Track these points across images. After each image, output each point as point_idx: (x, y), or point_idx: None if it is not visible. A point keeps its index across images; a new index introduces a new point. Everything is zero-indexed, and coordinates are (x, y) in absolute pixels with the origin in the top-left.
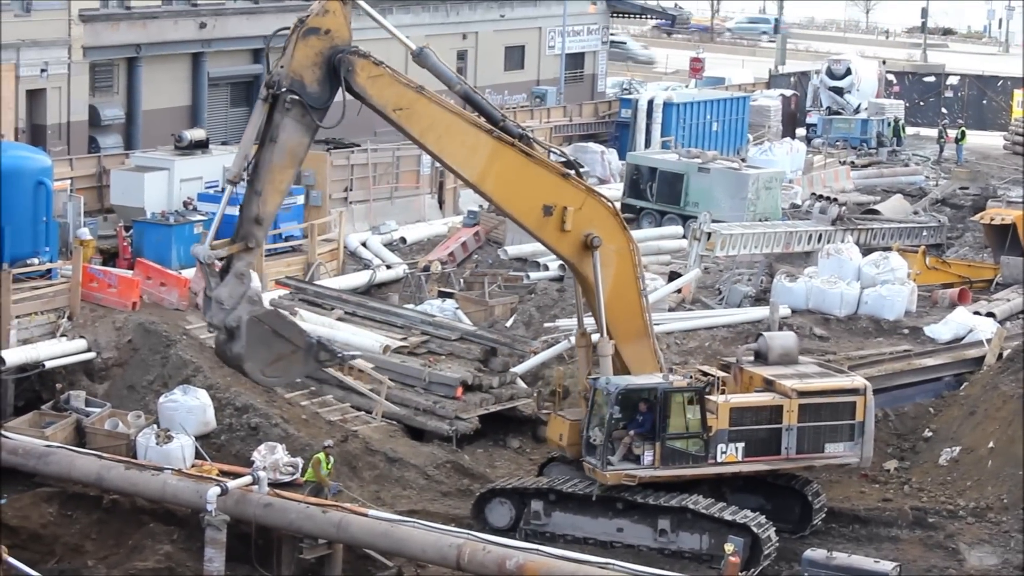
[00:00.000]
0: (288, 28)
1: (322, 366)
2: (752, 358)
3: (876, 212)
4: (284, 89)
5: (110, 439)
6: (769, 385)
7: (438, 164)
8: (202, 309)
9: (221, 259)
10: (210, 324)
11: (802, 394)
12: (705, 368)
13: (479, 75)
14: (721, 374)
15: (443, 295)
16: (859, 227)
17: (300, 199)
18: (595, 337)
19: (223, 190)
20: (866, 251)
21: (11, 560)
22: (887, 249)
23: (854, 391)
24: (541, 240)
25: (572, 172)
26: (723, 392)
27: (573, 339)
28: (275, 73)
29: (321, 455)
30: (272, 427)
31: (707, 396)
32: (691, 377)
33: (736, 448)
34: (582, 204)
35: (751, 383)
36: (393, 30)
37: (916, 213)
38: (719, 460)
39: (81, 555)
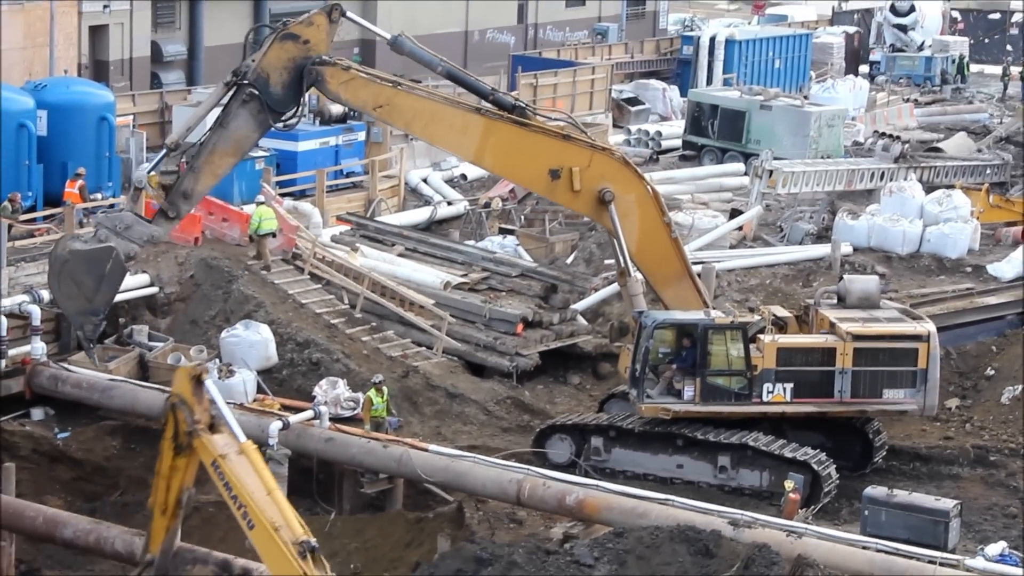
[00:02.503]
0: (270, 25)
1: (84, 338)
2: (834, 300)
3: (939, 150)
4: (247, 82)
5: (173, 373)
6: (832, 328)
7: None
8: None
9: (149, 197)
10: (96, 225)
11: (857, 337)
12: (777, 308)
13: (540, 13)
14: (786, 314)
15: (504, 231)
16: (922, 165)
17: (361, 135)
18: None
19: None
20: (929, 189)
21: None
22: (950, 187)
23: (916, 337)
24: (556, 203)
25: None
26: (782, 332)
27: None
28: (245, 64)
29: (372, 392)
30: (333, 362)
31: (759, 335)
32: (760, 316)
33: (784, 388)
34: (589, 162)
35: (823, 325)
36: (369, 25)
37: (980, 151)
38: (765, 399)
39: (144, 488)
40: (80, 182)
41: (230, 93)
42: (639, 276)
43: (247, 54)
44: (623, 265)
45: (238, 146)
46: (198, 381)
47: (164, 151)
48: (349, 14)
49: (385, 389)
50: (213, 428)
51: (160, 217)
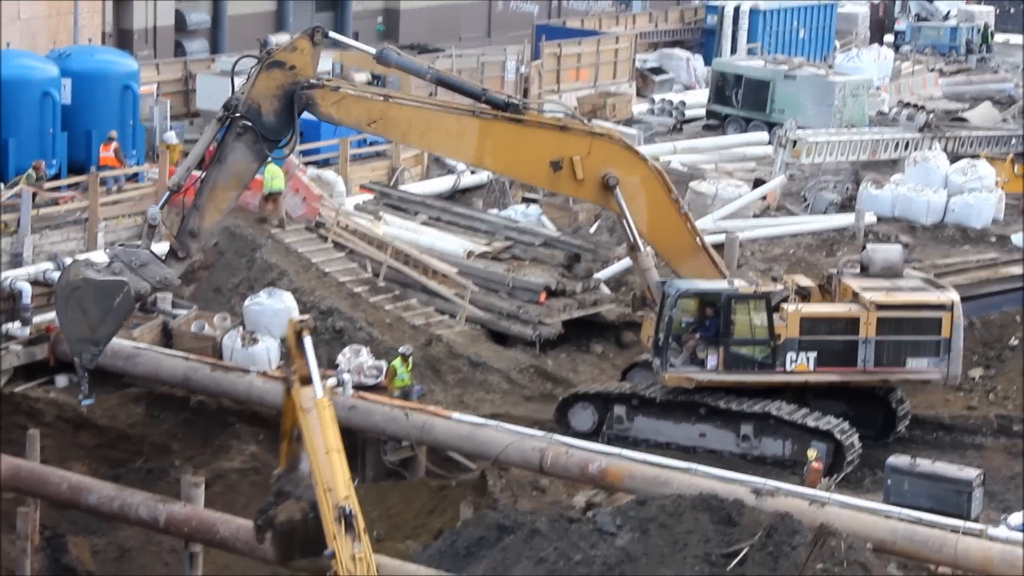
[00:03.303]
0: (253, 55)
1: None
2: (857, 269)
3: (964, 120)
4: (239, 115)
5: (196, 341)
6: (855, 297)
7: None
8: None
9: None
10: (112, 257)
11: (881, 307)
12: (800, 278)
13: None
14: (809, 283)
15: (527, 200)
16: (946, 135)
17: None
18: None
19: None
20: (953, 159)
21: None
22: (975, 157)
23: (939, 307)
24: (562, 194)
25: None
26: (805, 301)
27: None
28: (234, 97)
29: (396, 361)
30: (357, 330)
31: (782, 305)
32: (783, 285)
33: (807, 358)
34: (589, 149)
35: (845, 294)
36: (351, 42)
37: (1004, 121)
38: (788, 369)
39: (168, 455)
40: (115, 144)
41: (224, 128)
42: (649, 250)
43: (233, 86)
44: (632, 240)
45: (238, 179)
46: (299, 336)
47: (168, 193)
48: (331, 34)
49: (411, 360)
50: (306, 381)
51: (171, 258)
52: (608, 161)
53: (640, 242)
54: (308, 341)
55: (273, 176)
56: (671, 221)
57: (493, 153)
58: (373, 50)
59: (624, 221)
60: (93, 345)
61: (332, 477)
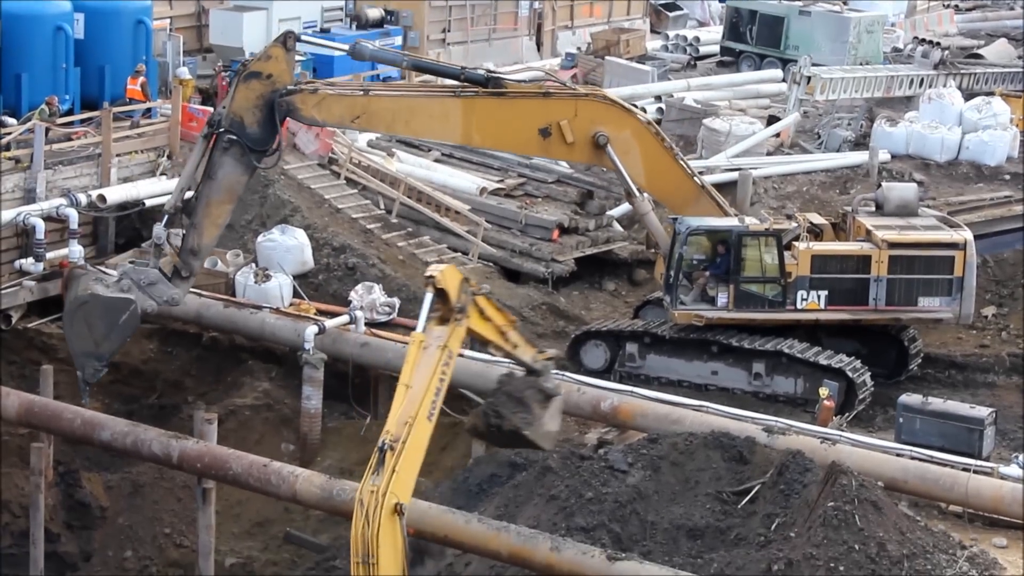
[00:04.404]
0: (227, 67)
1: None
2: (872, 208)
3: (979, 56)
4: (223, 130)
5: (209, 277)
6: (868, 235)
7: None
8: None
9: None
10: (121, 274)
11: (893, 245)
12: (813, 215)
13: None
14: (822, 221)
15: None
16: (961, 71)
17: (398, 40)
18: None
19: (321, 31)
20: (968, 96)
21: None
22: (990, 94)
23: (952, 245)
24: (556, 159)
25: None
26: (818, 239)
27: None
28: (216, 113)
29: None
30: (369, 267)
31: (794, 242)
32: (797, 223)
33: (818, 296)
34: (575, 111)
35: (859, 232)
36: (327, 43)
37: (1020, 58)
38: (799, 307)
39: (181, 391)
40: (142, 79)
41: (210, 145)
42: (646, 195)
43: (214, 103)
44: (627, 188)
45: (231, 192)
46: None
47: (167, 217)
48: (304, 37)
49: None
50: (444, 320)
51: (176, 278)
52: (596, 120)
53: (634, 188)
54: (429, 296)
55: None
56: (668, 170)
57: (480, 129)
58: (346, 46)
59: (620, 177)
60: (97, 360)
61: (404, 416)
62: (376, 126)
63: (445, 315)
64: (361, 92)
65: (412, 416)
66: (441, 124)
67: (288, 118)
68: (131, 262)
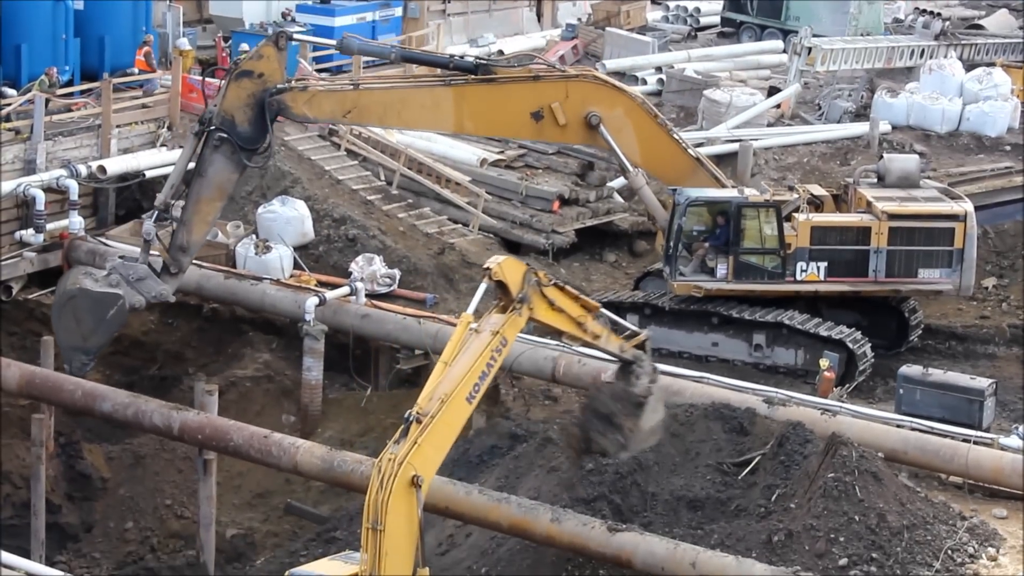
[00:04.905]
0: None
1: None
2: (874, 179)
3: (980, 27)
4: (214, 127)
5: (209, 248)
6: (869, 207)
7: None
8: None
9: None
10: (110, 269)
11: (893, 216)
12: (814, 187)
13: None
14: (823, 192)
15: None
16: (962, 42)
17: (398, 11)
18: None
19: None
20: (969, 67)
21: None
22: (991, 65)
23: (952, 217)
24: (549, 142)
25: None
26: (818, 211)
27: None
28: (208, 110)
29: None
30: (370, 239)
31: (794, 214)
32: (797, 194)
33: (818, 267)
34: (566, 92)
35: (860, 204)
36: (317, 40)
37: (1021, 28)
38: (799, 278)
39: (181, 362)
40: (146, 49)
41: (201, 142)
42: (639, 169)
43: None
44: (621, 165)
45: (221, 190)
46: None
47: (156, 213)
48: (296, 36)
49: None
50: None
51: (165, 274)
52: (588, 100)
53: (628, 164)
54: (484, 285)
55: None
56: (663, 145)
57: (472, 117)
58: (334, 40)
59: (615, 156)
60: (84, 354)
61: (438, 393)
62: (368, 119)
63: (506, 305)
64: (351, 86)
65: (447, 394)
66: (433, 114)
67: (280, 116)
68: (121, 258)
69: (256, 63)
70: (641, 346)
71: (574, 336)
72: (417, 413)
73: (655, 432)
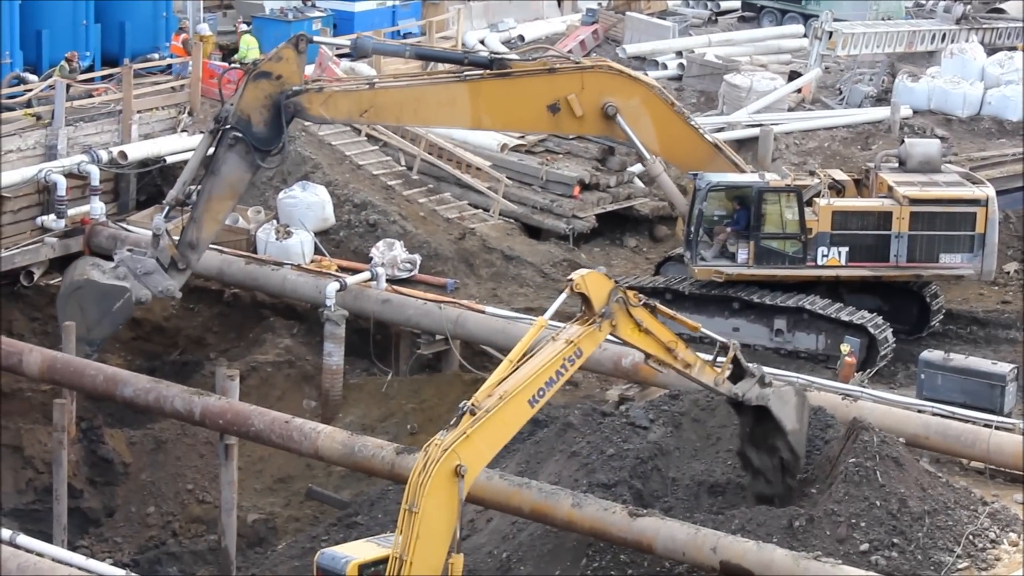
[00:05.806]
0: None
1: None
2: (895, 164)
3: (1001, 11)
4: (229, 127)
5: (230, 234)
6: (890, 191)
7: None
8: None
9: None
10: (118, 261)
11: (914, 201)
12: (835, 172)
13: None
14: (844, 177)
15: None
16: (984, 26)
17: None
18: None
19: None
20: (991, 51)
21: None
22: (1012, 49)
23: (974, 201)
24: (567, 134)
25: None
26: (839, 196)
27: None
28: (224, 109)
29: None
30: (390, 224)
31: (815, 199)
32: (819, 179)
33: (839, 252)
34: (582, 84)
35: (881, 189)
36: (333, 41)
37: None
38: (820, 263)
39: (203, 347)
40: (184, 36)
41: (216, 140)
42: (656, 157)
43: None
44: (640, 153)
45: (233, 189)
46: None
47: (167, 208)
48: (315, 38)
49: None
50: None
51: (172, 270)
52: (604, 91)
53: (646, 153)
54: (563, 295)
55: (248, 47)
56: (681, 133)
57: (489, 112)
58: (348, 41)
59: (633, 145)
60: (88, 345)
61: (500, 387)
62: (385, 118)
63: (588, 317)
64: (367, 86)
65: (508, 392)
66: (449, 110)
67: (296, 118)
68: (129, 250)
69: (275, 64)
70: (735, 360)
71: (662, 361)
72: (472, 405)
73: (800, 439)
